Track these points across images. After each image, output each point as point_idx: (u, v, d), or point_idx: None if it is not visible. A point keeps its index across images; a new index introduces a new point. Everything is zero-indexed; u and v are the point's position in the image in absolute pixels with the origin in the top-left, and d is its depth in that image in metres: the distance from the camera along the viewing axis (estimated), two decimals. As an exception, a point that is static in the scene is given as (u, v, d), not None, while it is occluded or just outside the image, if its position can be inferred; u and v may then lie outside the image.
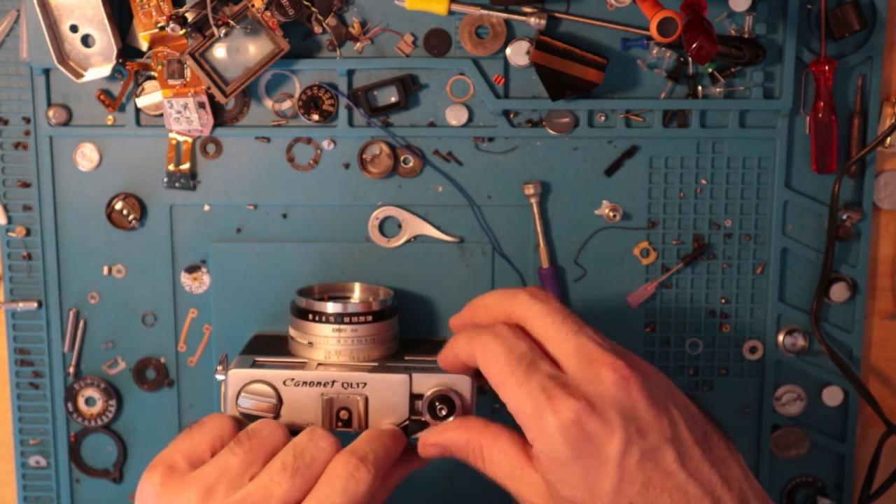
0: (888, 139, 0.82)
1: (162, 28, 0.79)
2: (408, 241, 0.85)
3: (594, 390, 0.59)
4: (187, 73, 0.80)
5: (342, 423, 0.75)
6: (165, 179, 0.84)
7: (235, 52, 0.79)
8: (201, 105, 0.81)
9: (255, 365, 0.77)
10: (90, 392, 0.86)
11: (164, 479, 0.65)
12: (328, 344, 0.78)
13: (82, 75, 0.80)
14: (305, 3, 0.79)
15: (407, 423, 0.73)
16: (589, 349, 0.61)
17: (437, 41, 0.82)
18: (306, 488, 0.64)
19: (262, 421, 0.70)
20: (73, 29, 0.79)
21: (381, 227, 0.85)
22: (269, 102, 0.83)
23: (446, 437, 0.67)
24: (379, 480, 0.65)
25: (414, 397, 0.76)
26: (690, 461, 0.59)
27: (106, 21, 0.78)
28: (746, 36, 0.81)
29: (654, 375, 0.63)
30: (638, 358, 0.64)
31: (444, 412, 0.75)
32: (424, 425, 0.72)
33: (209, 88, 0.79)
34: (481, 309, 0.68)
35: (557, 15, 0.81)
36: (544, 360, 0.62)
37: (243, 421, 0.72)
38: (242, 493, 0.63)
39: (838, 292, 0.85)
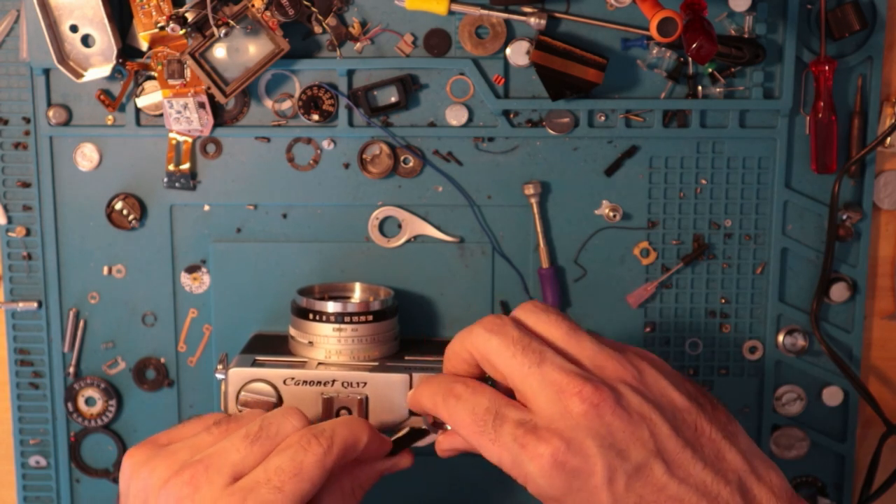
0: (888, 139, 0.82)
1: (162, 28, 0.79)
2: (408, 241, 0.85)
3: (566, 425, 0.59)
4: (187, 73, 0.80)
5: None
6: (165, 179, 0.84)
7: (235, 52, 0.79)
8: (201, 105, 0.81)
9: (255, 364, 0.77)
10: (90, 392, 0.86)
11: (141, 453, 0.66)
12: (328, 343, 0.78)
13: (82, 75, 0.80)
14: (305, 3, 0.79)
15: (406, 429, 0.73)
16: (553, 380, 0.60)
17: (437, 41, 0.82)
18: (263, 457, 0.64)
19: (250, 409, 0.70)
20: (73, 29, 0.79)
21: (381, 227, 0.85)
22: (269, 102, 0.83)
23: (459, 439, 0.67)
24: (333, 458, 0.64)
25: (414, 397, 0.76)
26: (679, 468, 0.59)
27: (106, 21, 0.78)
28: (746, 36, 0.81)
29: (646, 369, 0.62)
30: (631, 350, 0.63)
31: None
32: (423, 433, 0.72)
33: (209, 88, 0.79)
34: (451, 357, 0.67)
35: (557, 15, 0.81)
36: (510, 407, 0.61)
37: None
38: (201, 456, 0.64)
39: (838, 292, 0.85)
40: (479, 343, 0.63)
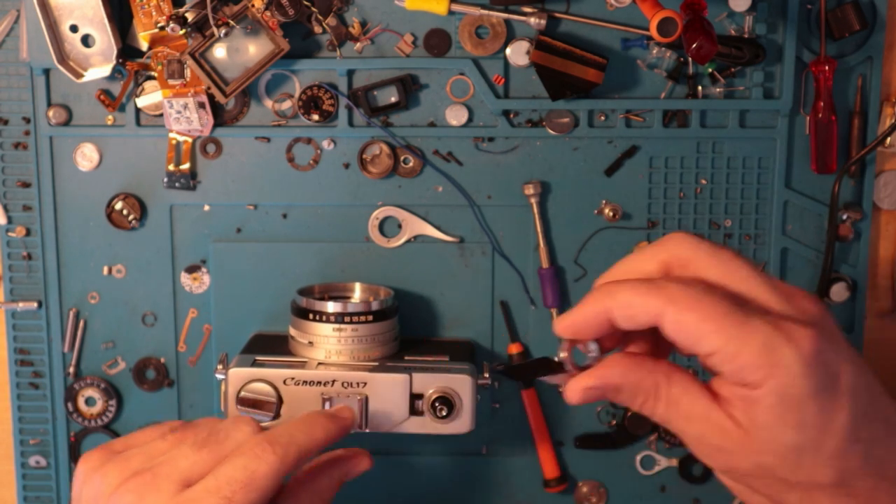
0: (888, 139, 0.82)
1: (162, 28, 0.79)
2: (408, 241, 0.85)
3: (809, 321, 0.54)
4: (187, 73, 0.80)
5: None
6: (165, 179, 0.84)
7: (235, 52, 0.79)
8: (201, 105, 0.81)
9: (255, 364, 0.77)
10: (90, 392, 0.86)
11: (95, 459, 0.66)
12: (328, 343, 0.78)
13: (82, 75, 0.80)
14: (305, 3, 0.79)
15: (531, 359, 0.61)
16: (777, 282, 0.55)
17: (437, 41, 0.82)
18: (213, 464, 0.63)
19: (210, 418, 0.69)
20: (73, 29, 0.79)
21: (381, 227, 0.85)
22: (269, 102, 0.83)
23: (616, 373, 0.56)
24: (288, 466, 0.63)
25: (414, 397, 0.76)
26: (883, 385, 0.55)
27: (106, 21, 0.78)
28: (746, 36, 0.81)
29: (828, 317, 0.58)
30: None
31: (444, 412, 0.75)
32: (551, 367, 0.60)
33: (209, 88, 0.79)
34: (621, 272, 0.58)
35: (557, 15, 0.81)
36: (750, 303, 0.54)
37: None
38: (151, 463, 0.63)
39: (838, 292, 0.85)
40: (685, 249, 0.56)
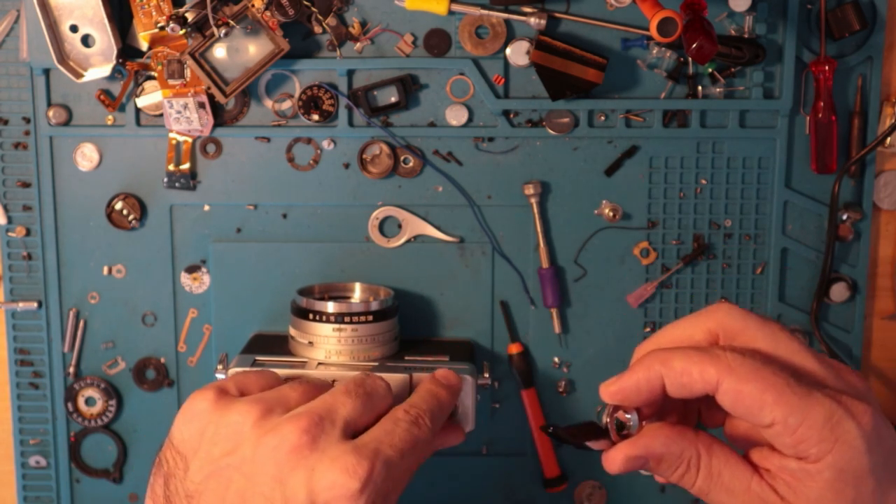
0: (888, 139, 0.82)
1: (162, 28, 0.79)
2: (408, 241, 0.85)
3: (862, 396, 0.54)
4: (187, 73, 0.80)
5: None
6: (165, 179, 0.84)
7: (235, 52, 0.79)
8: (201, 105, 0.81)
9: (255, 364, 0.77)
10: (90, 392, 0.86)
11: (217, 397, 0.64)
12: (328, 343, 0.78)
13: (82, 75, 0.80)
14: (305, 3, 0.79)
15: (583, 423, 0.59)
16: (825, 357, 0.56)
17: (437, 41, 0.82)
18: (368, 416, 0.64)
19: (306, 376, 0.69)
20: (73, 29, 0.79)
21: (381, 227, 0.85)
22: (269, 102, 0.83)
23: (659, 443, 0.56)
24: (432, 441, 0.65)
25: (414, 397, 0.76)
26: None
27: (106, 21, 0.78)
28: (746, 36, 0.81)
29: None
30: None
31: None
32: (597, 432, 0.58)
33: (209, 88, 0.79)
34: (668, 340, 0.58)
35: (557, 15, 0.81)
36: (798, 370, 0.55)
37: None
38: (307, 406, 0.62)
39: (838, 292, 0.85)
40: (734, 321, 0.56)
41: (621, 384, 0.56)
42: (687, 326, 0.58)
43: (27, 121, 0.83)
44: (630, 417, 0.56)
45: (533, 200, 0.83)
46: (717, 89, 0.82)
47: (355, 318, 0.78)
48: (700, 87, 0.82)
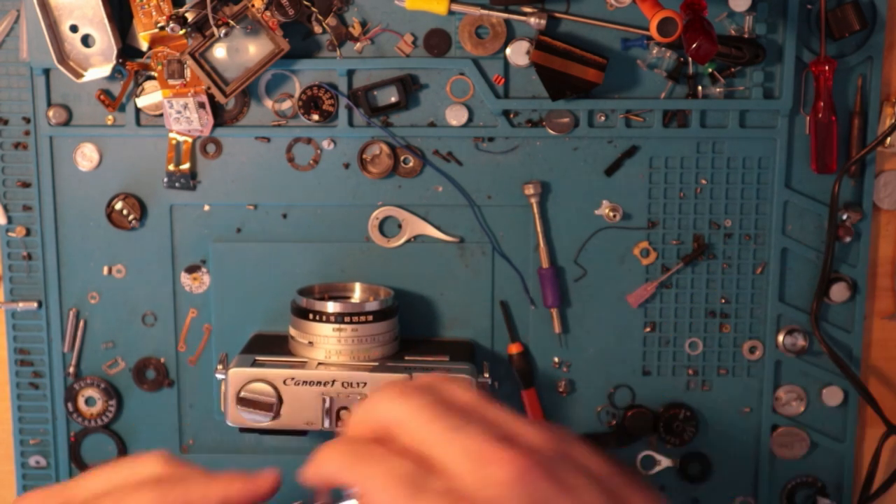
0: (888, 139, 0.82)
1: (162, 28, 0.79)
2: (408, 241, 0.85)
3: (489, 494, 0.51)
4: (187, 73, 0.80)
5: (342, 422, 0.75)
6: (165, 179, 0.84)
7: (235, 52, 0.79)
8: (201, 105, 0.81)
9: (255, 364, 0.77)
10: (90, 392, 0.86)
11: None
12: (328, 343, 0.78)
13: (82, 75, 0.80)
14: (305, 3, 0.79)
15: None
16: (477, 447, 0.52)
17: (437, 41, 0.82)
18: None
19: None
20: (73, 29, 0.79)
21: (381, 227, 0.85)
22: (269, 102, 0.83)
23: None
24: None
25: (414, 397, 0.75)
26: None
27: (106, 21, 0.78)
28: (746, 36, 0.81)
29: (569, 439, 0.55)
30: (542, 424, 0.55)
31: None
32: None
33: (209, 88, 0.79)
34: (355, 427, 0.58)
35: (557, 15, 0.81)
36: (434, 472, 0.53)
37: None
38: None
39: (838, 292, 0.85)
40: (391, 409, 0.55)
41: (313, 468, 0.56)
42: (360, 417, 0.57)
43: (27, 121, 0.83)
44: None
45: (533, 200, 0.83)
46: (717, 89, 0.82)
47: (355, 318, 0.78)
48: (700, 87, 0.82)
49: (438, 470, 0.53)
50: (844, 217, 0.84)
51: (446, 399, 0.55)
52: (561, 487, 0.52)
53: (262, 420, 0.76)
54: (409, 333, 0.84)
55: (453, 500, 0.51)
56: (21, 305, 0.85)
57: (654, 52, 0.82)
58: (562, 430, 0.55)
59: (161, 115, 0.83)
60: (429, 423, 0.53)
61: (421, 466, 0.53)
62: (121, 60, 0.81)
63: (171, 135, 0.83)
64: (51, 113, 0.83)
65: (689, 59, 0.81)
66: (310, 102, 0.82)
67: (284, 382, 0.76)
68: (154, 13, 0.79)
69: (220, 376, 0.76)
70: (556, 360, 0.86)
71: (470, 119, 0.83)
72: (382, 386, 0.55)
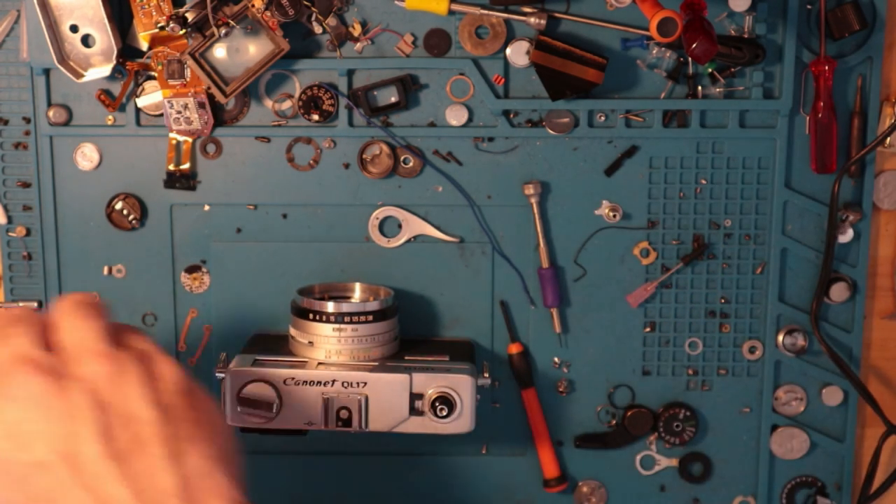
0: (888, 139, 0.82)
1: (162, 28, 0.79)
2: (408, 241, 0.85)
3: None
4: (187, 73, 0.80)
5: (342, 422, 0.75)
6: (165, 179, 0.84)
7: (235, 52, 0.79)
8: (201, 105, 0.81)
9: (255, 364, 0.77)
10: (90, 392, 0.86)
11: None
12: (328, 343, 0.78)
13: (82, 75, 0.80)
14: (305, 3, 0.79)
15: None
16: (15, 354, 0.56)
17: (437, 41, 0.82)
18: None
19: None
20: (73, 29, 0.79)
21: (381, 227, 0.85)
22: (269, 102, 0.83)
23: None
24: None
25: (414, 397, 0.76)
26: (89, 476, 0.54)
27: (106, 21, 0.78)
28: (746, 36, 0.81)
29: (125, 369, 0.58)
30: (113, 349, 0.59)
31: (444, 412, 0.75)
32: None
33: (209, 88, 0.79)
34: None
35: (557, 15, 0.81)
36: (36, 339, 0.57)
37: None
38: None
39: (838, 292, 0.85)
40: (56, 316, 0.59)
41: None
42: None
43: (27, 121, 0.83)
44: None
45: (533, 200, 0.83)
46: (717, 89, 0.83)
47: (355, 318, 0.78)
48: (700, 87, 0.82)
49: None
50: (844, 217, 0.84)
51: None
52: (64, 405, 0.55)
53: (262, 420, 0.76)
54: (409, 333, 0.84)
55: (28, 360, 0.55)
56: (21, 305, 0.85)
57: (654, 52, 0.82)
58: (146, 357, 0.59)
59: (161, 115, 0.83)
60: (69, 313, 0.59)
61: (34, 333, 0.57)
62: (121, 60, 0.81)
63: (171, 135, 0.83)
64: (51, 113, 0.83)
65: (689, 59, 0.81)
66: (310, 102, 0.82)
67: (284, 382, 0.75)
68: (154, 13, 0.79)
69: (220, 375, 0.76)
70: (556, 360, 0.86)
71: (470, 119, 0.83)
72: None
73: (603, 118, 0.83)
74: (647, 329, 0.86)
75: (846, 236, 0.84)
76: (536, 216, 0.84)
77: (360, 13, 0.81)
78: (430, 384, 0.75)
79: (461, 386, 0.75)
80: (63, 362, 0.57)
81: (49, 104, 0.83)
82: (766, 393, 0.87)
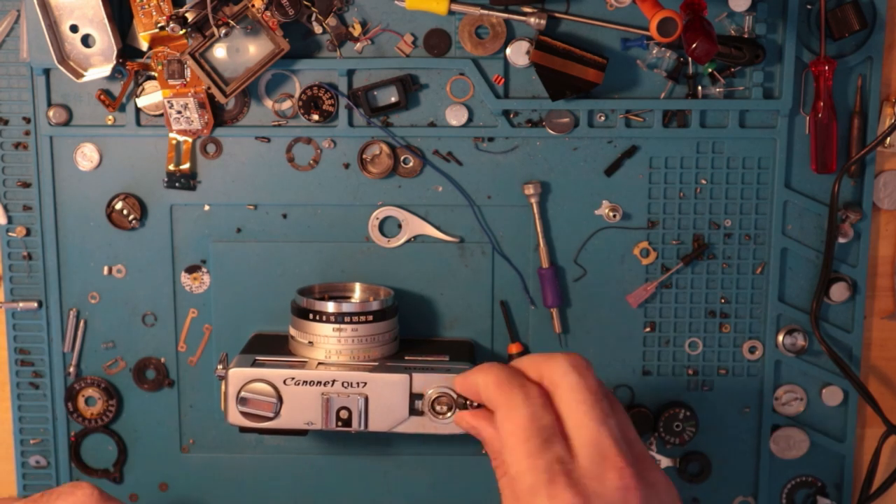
0: (888, 139, 0.82)
1: (162, 28, 0.79)
2: (408, 241, 0.85)
3: (595, 488, 0.57)
4: (187, 73, 0.80)
5: (342, 422, 0.75)
6: (165, 179, 0.84)
7: (235, 52, 0.79)
8: (201, 105, 0.81)
9: (255, 364, 0.77)
10: (90, 392, 0.86)
11: None
12: (328, 343, 0.78)
13: (82, 75, 0.80)
14: (305, 3, 0.79)
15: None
16: (605, 445, 0.59)
17: (437, 41, 0.82)
18: None
19: (75, 483, 0.68)
20: (73, 29, 0.79)
21: (381, 227, 0.85)
22: (269, 102, 0.83)
23: (468, 416, 0.67)
24: None
25: (414, 397, 0.76)
26: None
27: (106, 21, 0.78)
28: (746, 36, 0.81)
29: (661, 488, 0.60)
30: (653, 464, 0.61)
31: (444, 412, 0.75)
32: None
33: (209, 88, 0.79)
34: (521, 366, 0.65)
35: (557, 15, 0.81)
36: (560, 441, 0.59)
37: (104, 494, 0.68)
38: None
39: (838, 292, 0.85)
40: (557, 372, 0.61)
41: (470, 376, 0.66)
42: (527, 364, 0.64)
43: (27, 121, 0.83)
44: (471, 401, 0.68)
45: (533, 200, 0.83)
46: (717, 89, 0.83)
47: (355, 318, 0.78)
48: (700, 87, 0.82)
49: (565, 439, 0.60)
50: (844, 217, 0.84)
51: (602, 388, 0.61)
52: None
53: (262, 420, 0.76)
54: (409, 333, 0.84)
55: (564, 470, 0.58)
56: (21, 305, 0.85)
57: (654, 52, 0.82)
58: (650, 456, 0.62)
59: (161, 115, 0.83)
60: (584, 404, 0.60)
61: (556, 427, 0.60)
62: (121, 60, 0.81)
63: (171, 135, 0.83)
64: (51, 113, 0.83)
65: (689, 59, 0.81)
66: (310, 102, 0.82)
67: (284, 382, 0.76)
68: (154, 13, 0.80)
69: (220, 376, 0.76)
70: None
71: (470, 119, 0.83)
72: (566, 354, 0.62)
73: (603, 118, 0.83)
74: (647, 329, 0.86)
75: (846, 236, 0.84)
76: (536, 216, 0.84)
77: (360, 13, 0.81)
78: (430, 384, 0.75)
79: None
80: None
81: (49, 104, 0.83)
82: (766, 393, 0.87)
